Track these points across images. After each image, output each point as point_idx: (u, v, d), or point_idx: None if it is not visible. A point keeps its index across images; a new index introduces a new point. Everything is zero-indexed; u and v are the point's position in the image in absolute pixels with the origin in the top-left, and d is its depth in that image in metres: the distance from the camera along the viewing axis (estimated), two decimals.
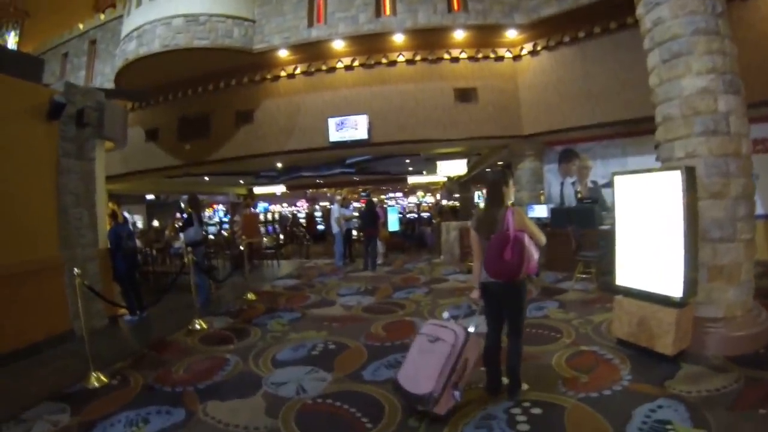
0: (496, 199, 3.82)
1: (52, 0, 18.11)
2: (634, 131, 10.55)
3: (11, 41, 19.14)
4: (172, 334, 6.70)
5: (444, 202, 26.40)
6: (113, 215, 7.98)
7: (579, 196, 11.41)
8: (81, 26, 15.52)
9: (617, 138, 11.13)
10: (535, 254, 3.69)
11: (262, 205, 29.23)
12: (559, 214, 10.34)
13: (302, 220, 24.77)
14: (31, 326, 5.95)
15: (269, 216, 16.38)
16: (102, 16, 15.04)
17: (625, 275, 5.20)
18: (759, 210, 9.03)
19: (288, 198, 32.63)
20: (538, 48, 11.09)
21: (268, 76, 12.19)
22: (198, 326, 6.85)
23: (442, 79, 11.53)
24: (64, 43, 15.97)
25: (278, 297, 8.90)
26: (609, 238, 9.01)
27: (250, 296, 8.77)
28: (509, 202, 3.87)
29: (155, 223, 21.92)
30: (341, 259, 12.39)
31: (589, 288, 7.99)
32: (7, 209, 5.94)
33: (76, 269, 5.36)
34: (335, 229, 12.42)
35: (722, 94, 4.84)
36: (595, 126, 10.46)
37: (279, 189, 24.33)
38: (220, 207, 29.04)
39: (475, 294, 3.95)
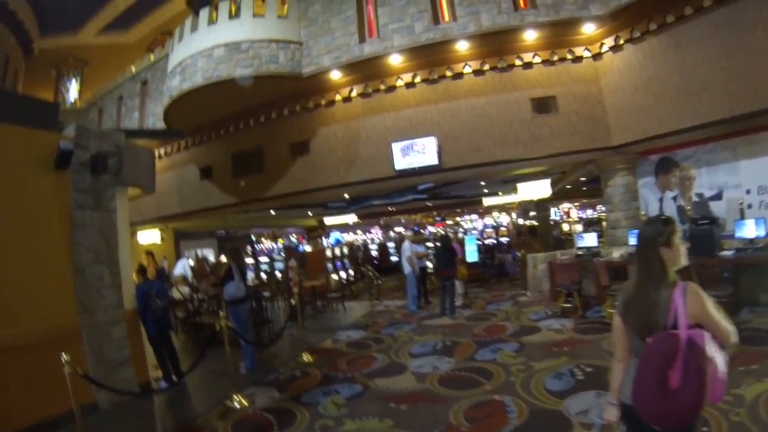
0: (652, 269, 2.25)
1: (110, 46, 18.41)
2: (746, 129, 8.85)
3: (73, 89, 20.14)
4: (206, 413, 5.68)
5: (520, 221, 25.15)
6: (141, 270, 7.23)
7: (688, 214, 9.58)
8: (133, 68, 15.40)
9: (725, 139, 9.31)
10: (721, 366, 2.06)
11: (334, 236, 28.20)
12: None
13: (375, 252, 23.51)
14: (48, 400, 5.21)
15: (337, 251, 15.82)
16: (152, 56, 14.84)
17: None
18: None
19: (361, 226, 31.47)
20: (621, 42, 9.60)
21: (322, 102, 11.33)
22: (237, 404, 5.72)
23: (515, 89, 10.24)
24: (118, 87, 15.96)
25: (339, 358, 7.59)
26: (738, 269, 7.44)
27: (306, 357, 7.58)
28: (674, 275, 2.25)
29: (222, 258, 21.53)
30: (415, 303, 11.15)
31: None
32: (14, 271, 5.43)
33: (63, 355, 4.61)
34: (407, 269, 11.10)
35: None
36: (698, 128, 8.81)
37: (351, 218, 23.33)
38: (286, 240, 27.99)
39: (612, 414, 2.45)
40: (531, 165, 11.17)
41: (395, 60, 10.22)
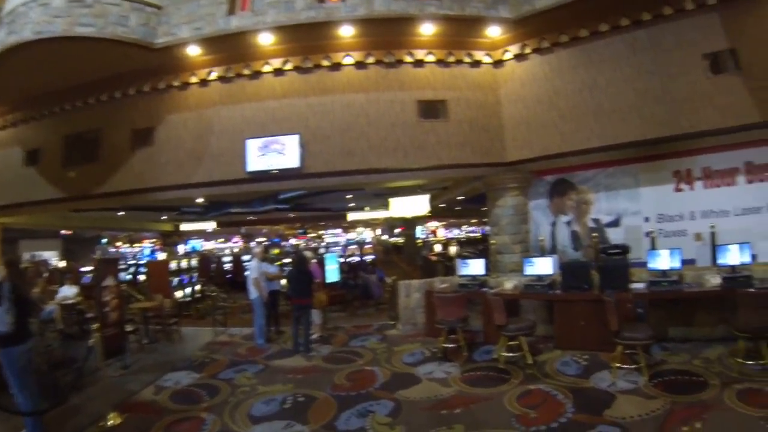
0: None
1: None
2: (648, 155, 8.57)
3: None
4: None
5: (385, 237, 24.04)
6: None
7: (594, 241, 8.75)
8: None
9: (627, 164, 8.87)
10: None
11: (193, 244, 25.31)
12: (573, 270, 7.54)
13: (229, 264, 21.26)
14: None
15: (185, 262, 13.73)
16: None
17: None
18: None
19: (222, 234, 28.56)
20: (527, 50, 8.71)
21: (175, 83, 9.31)
22: None
23: (402, 88, 8.89)
24: None
25: (156, 418, 5.62)
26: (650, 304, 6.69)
27: (113, 419, 5.53)
28: None
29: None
30: (262, 335, 9.03)
31: (641, 383, 5.59)
32: None
33: None
34: (253, 293, 9.00)
35: None
36: (604, 149, 8.26)
37: (209, 225, 20.75)
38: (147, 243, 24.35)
39: None
40: (411, 177, 9.80)
41: (266, 39, 8.51)
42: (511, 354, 6.71)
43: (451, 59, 8.97)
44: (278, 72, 9.00)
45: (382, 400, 5.79)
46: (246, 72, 9.07)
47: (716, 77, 7.45)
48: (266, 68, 8.98)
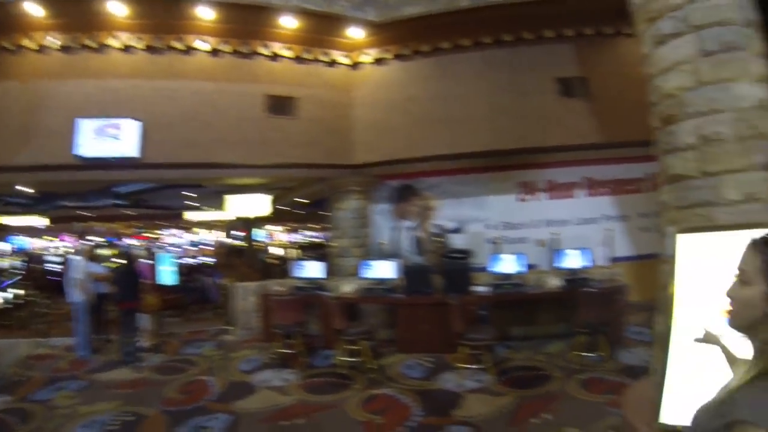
0: None
1: None
2: (496, 166, 9.06)
3: None
4: None
5: (227, 240, 22.65)
6: None
7: (437, 245, 9.00)
8: None
9: (474, 173, 9.30)
10: None
11: (19, 241, 22.18)
12: (416, 274, 7.52)
13: (57, 266, 17.60)
14: None
15: (5, 262, 12.28)
16: None
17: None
18: (627, 252, 9.20)
19: (55, 231, 25.26)
20: (388, 55, 8.77)
21: (7, 44, 7.96)
22: None
23: (254, 80, 8.53)
24: None
25: None
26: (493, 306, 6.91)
27: None
28: None
29: None
30: (86, 347, 7.73)
31: (487, 381, 5.75)
32: None
33: None
34: (75, 297, 7.76)
35: None
36: (451, 157, 8.55)
37: (41, 221, 18.08)
38: None
39: None
40: (254, 174, 9.42)
41: (117, 10, 7.67)
42: (352, 359, 6.44)
43: (308, 56, 8.77)
44: (127, 49, 8.15)
45: (218, 413, 5.23)
46: (92, 44, 8.04)
47: (566, 100, 8.25)
48: (114, 43, 8.05)
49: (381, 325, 7.52)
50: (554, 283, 7.12)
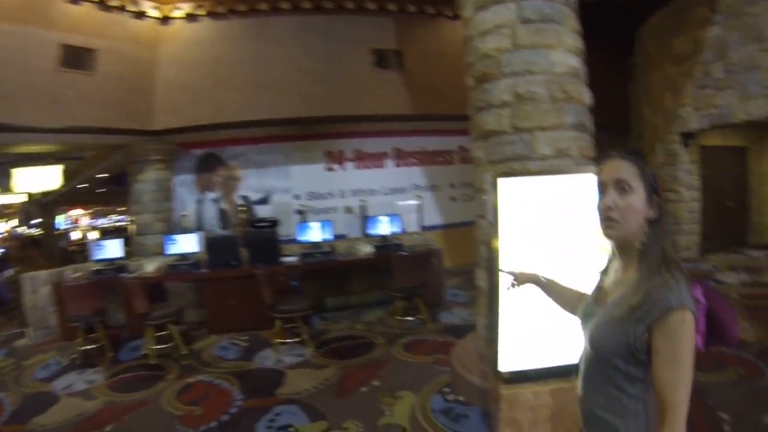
0: None
1: None
2: (303, 134, 8.76)
3: None
4: None
5: (22, 230, 20.45)
6: None
7: (240, 219, 8.30)
8: None
9: (281, 142, 8.84)
10: None
11: None
12: (220, 246, 6.80)
13: None
14: None
15: None
16: None
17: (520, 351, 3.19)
18: (438, 220, 9.53)
19: None
20: (201, 12, 7.90)
21: None
22: None
23: (49, 26, 6.92)
24: None
25: None
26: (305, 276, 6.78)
27: None
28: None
29: None
30: None
31: (308, 354, 5.45)
32: None
33: None
34: None
35: (584, 85, 4.02)
36: (259, 123, 7.97)
37: None
38: None
39: None
40: (42, 140, 7.80)
41: None
42: (161, 346, 5.66)
43: (114, 2, 7.42)
44: None
45: None
46: None
47: (380, 71, 8.25)
48: None
49: (190, 305, 6.79)
50: (366, 250, 7.01)
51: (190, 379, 4.99)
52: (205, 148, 8.82)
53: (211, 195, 8.82)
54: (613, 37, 8.81)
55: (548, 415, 3.24)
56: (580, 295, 1.86)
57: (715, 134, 9.11)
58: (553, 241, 3.00)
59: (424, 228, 8.40)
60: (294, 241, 7.36)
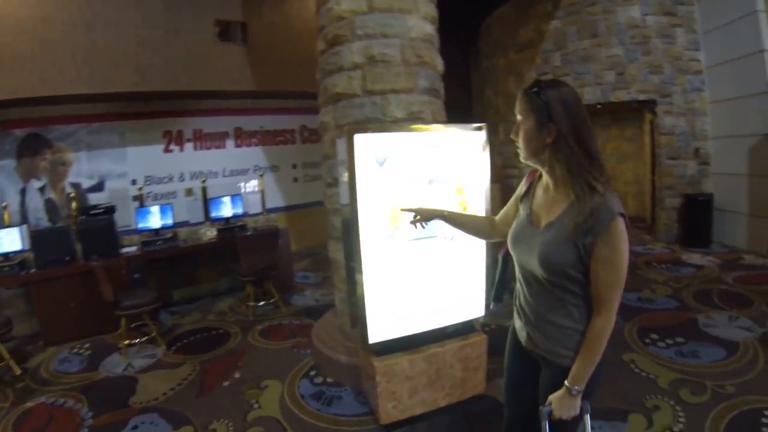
0: None
1: None
2: (140, 112, 7.74)
3: None
4: None
5: None
6: None
7: (71, 210, 6.77)
8: None
9: (115, 120, 7.67)
10: None
11: None
12: (48, 241, 5.76)
13: None
14: None
15: None
16: None
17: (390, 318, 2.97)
18: (281, 202, 9.19)
19: None
20: None
21: None
22: None
23: None
24: None
25: None
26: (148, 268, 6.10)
27: None
28: None
29: None
30: None
31: (159, 354, 4.81)
32: None
33: None
34: None
35: (438, 53, 3.97)
36: (91, 98, 6.98)
37: None
38: None
39: None
40: None
41: None
42: None
43: None
44: None
45: None
46: None
47: (223, 44, 7.51)
48: None
49: (19, 315, 5.65)
50: (210, 234, 6.50)
51: (29, 404, 4.05)
52: (28, 127, 7.38)
53: (37, 183, 7.44)
54: (459, 25, 9.09)
55: (426, 382, 3.14)
56: (489, 220, 2.15)
57: None
58: (415, 200, 2.83)
59: (268, 210, 7.88)
60: (134, 230, 6.54)
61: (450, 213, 2.21)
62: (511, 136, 1.70)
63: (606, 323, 1.57)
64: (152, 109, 7.81)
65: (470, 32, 10.61)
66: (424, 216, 2.20)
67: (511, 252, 1.83)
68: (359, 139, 2.67)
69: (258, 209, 7.60)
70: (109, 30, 6.77)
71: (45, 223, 7.36)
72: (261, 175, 8.09)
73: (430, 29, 3.83)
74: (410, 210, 2.22)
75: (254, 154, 8.98)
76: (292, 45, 8.02)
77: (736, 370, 3.64)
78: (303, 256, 8.20)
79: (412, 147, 2.84)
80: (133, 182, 7.77)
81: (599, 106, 8.17)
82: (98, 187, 7.64)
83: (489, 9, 9.82)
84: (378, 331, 2.90)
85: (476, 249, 3.09)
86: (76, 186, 7.53)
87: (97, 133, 7.57)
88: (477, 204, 3.06)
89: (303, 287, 6.76)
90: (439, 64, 3.91)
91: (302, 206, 9.23)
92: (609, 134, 9.75)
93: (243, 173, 8.71)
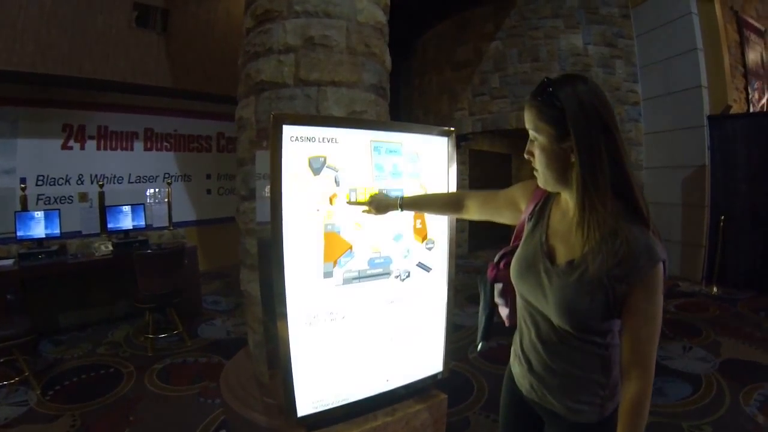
0: None
1: None
2: (37, 99, 6.53)
3: None
4: None
5: None
6: None
7: None
8: None
9: (6, 105, 6.42)
10: None
11: None
12: None
13: None
14: None
15: None
16: None
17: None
18: (191, 216, 8.12)
19: None
20: None
21: None
22: None
23: None
24: None
25: None
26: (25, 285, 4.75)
27: None
28: None
29: None
30: None
31: (33, 401, 3.54)
32: None
33: None
34: None
35: (386, 48, 3.20)
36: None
37: None
38: None
39: None
40: None
41: None
42: None
43: None
44: None
45: None
46: None
47: (140, 30, 6.45)
48: None
49: None
50: (105, 248, 5.33)
51: None
52: None
53: None
54: (391, 39, 8.53)
55: None
56: (458, 195, 1.79)
57: (484, 140, 9.84)
58: (360, 216, 2.07)
59: (175, 224, 6.69)
60: (12, 239, 5.22)
61: (408, 198, 1.89)
62: (525, 156, 1.34)
63: (645, 384, 1.21)
64: (51, 97, 6.55)
65: (403, 48, 10.10)
66: (378, 207, 1.87)
67: (515, 284, 1.43)
68: (289, 132, 1.87)
69: (164, 222, 6.42)
70: (6, 3, 5.55)
71: None
72: (169, 184, 6.81)
73: (381, 17, 3.11)
74: (359, 203, 1.90)
75: (165, 160, 7.82)
76: (216, 43, 7.15)
77: (707, 406, 3.38)
78: (213, 278, 7.13)
79: (359, 149, 2.07)
80: (23, 180, 6.37)
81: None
82: None
83: (426, 26, 9.41)
84: (308, 399, 2.08)
85: (436, 288, 2.36)
86: None
87: None
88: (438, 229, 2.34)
89: (212, 314, 5.70)
90: (388, 60, 3.20)
91: (215, 221, 8.21)
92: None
93: (152, 180, 7.48)
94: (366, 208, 1.90)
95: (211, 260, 7.38)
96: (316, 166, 1.95)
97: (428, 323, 2.41)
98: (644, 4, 7.37)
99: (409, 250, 2.27)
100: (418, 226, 2.30)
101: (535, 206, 1.44)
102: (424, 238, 2.33)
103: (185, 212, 7.81)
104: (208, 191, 8.37)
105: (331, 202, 1.99)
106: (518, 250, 1.44)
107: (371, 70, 2.98)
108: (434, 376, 2.49)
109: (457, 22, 8.78)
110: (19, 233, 5.05)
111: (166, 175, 7.62)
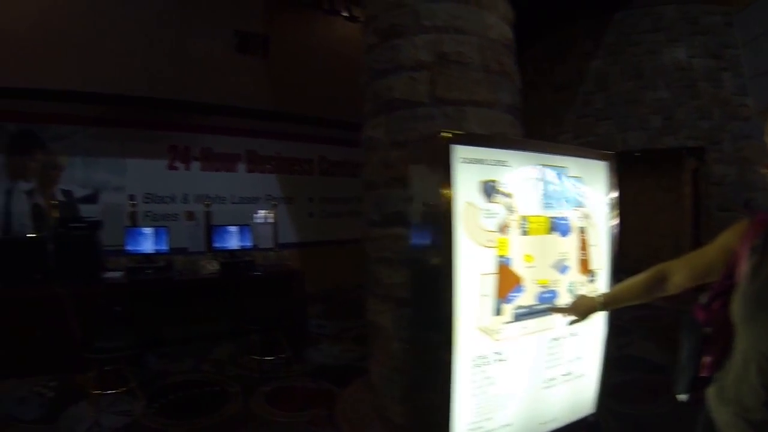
0: None
1: None
2: (143, 121, 6.70)
3: None
4: None
5: None
6: None
7: (55, 216, 5.75)
8: None
9: (116, 126, 6.64)
10: None
11: None
12: (17, 252, 4.75)
13: None
14: None
15: None
16: None
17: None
18: (293, 238, 7.81)
19: None
20: None
21: None
22: None
23: None
24: None
25: None
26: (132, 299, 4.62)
27: None
28: None
29: None
30: None
31: (137, 410, 3.50)
32: None
33: None
34: None
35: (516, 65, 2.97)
36: (92, 98, 5.95)
37: None
38: None
39: None
40: None
41: None
42: None
43: None
44: None
45: None
46: None
47: (241, 56, 6.62)
48: None
49: None
50: (212, 267, 5.31)
51: None
52: (20, 122, 6.25)
53: (25, 185, 6.20)
54: None
55: None
56: (657, 272, 1.51)
57: None
58: (531, 247, 1.80)
59: (280, 246, 6.62)
60: (122, 252, 5.29)
61: (608, 295, 1.62)
62: (761, 171, 1.25)
63: None
64: (159, 119, 6.77)
65: None
66: (581, 312, 1.61)
67: (744, 328, 1.19)
68: (459, 153, 1.63)
69: (269, 243, 6.39)
70: (118, 26, 5.80)
71: (29, 230, 6.11)
72: (274, 206, 6.84)
73: (509, 33, 2.90)
74: (561, 310, 1.65)
75: (267, 182, 7.84)
76: (316, 66, 7.13)
77: None
78: (314, 301, 7.01)
79: (527, 173, 1.80)
80: (131, 198, 6.58)
81: (637, 154, 7.31)
82: (92, 198, 6.42)
83: (518, 51, 9.03)
84: None
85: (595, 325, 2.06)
86: (67, 193, 6.34)
87: (96, 139, 6.43)
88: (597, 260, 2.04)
89: (317, 339, 5.53)
90: (518, 79, 2.93)
91: (316, 244, 8.05)
92: (643, 184, 8.81)
93: (254, 201, 7.49)
94: (571, 317, 1.65)
95: (313, 283, 7.34)
96: (489, 191, 1.70)
97: (587, 361, 2.09)
98: (747, 9, 6.62)
99: (573, 283, 1.97)
100: (582, 257, 1.99)
101: (755, 241, 1.23)
102: (587, 270, 2.01)
103: (288, 234, 7.76)
104: (311, 214, 8.31)
105: (503, 231, 1.73)
106: (743, 289, 1.21)
107: (506, 89, 2.77)
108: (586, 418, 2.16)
109: (552, 43, 8.38)
110: (129, 247, 5.13)
111: (269, 197, 7.64)
